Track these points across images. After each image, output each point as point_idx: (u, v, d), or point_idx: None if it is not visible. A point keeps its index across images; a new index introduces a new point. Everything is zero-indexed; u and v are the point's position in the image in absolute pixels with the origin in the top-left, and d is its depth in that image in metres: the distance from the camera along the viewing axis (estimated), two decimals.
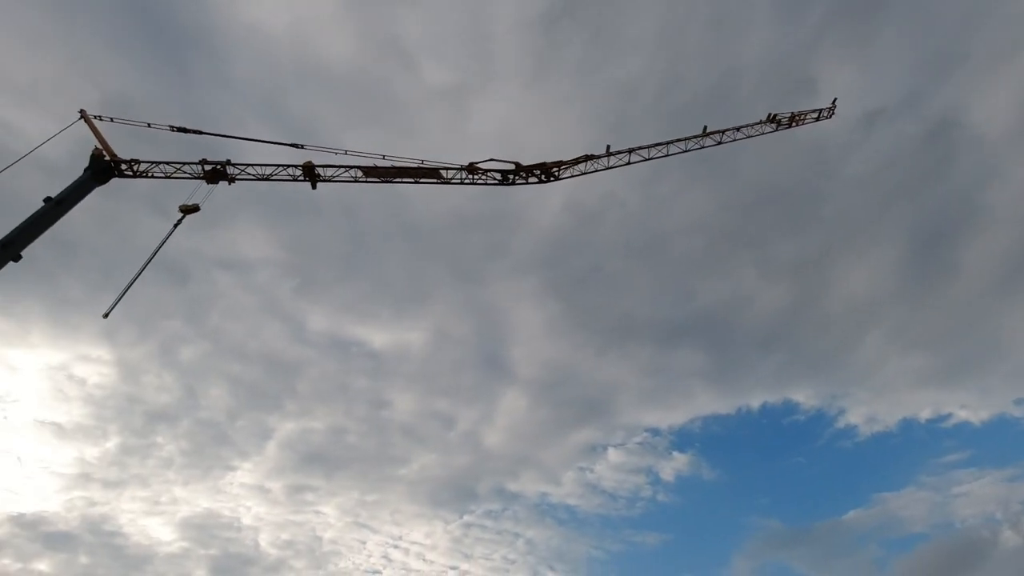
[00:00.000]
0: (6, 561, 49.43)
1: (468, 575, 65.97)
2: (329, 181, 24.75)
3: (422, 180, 24.91)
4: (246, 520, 61.55)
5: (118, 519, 56.24)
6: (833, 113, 30.70)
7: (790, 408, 74.87)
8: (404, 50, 65.11)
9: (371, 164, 24.49)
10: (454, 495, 71.30)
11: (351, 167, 24.55)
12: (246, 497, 62.26)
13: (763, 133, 28.91)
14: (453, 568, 65.87)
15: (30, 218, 20.06)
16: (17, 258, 19.39)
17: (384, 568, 64.46)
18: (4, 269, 19.07)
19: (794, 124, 29.80)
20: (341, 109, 66.91)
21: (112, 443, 57.22)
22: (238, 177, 24.60)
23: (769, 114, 28.95)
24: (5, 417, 53.27)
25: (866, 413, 71.14)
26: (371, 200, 68.19)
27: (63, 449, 55.51)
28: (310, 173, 24.46)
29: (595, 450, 74.64)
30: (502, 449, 73.91)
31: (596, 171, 25.72)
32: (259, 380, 65.96)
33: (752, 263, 74.64)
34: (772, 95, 63.37)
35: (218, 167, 24.31)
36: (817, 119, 30.42)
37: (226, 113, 59.74)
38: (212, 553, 58.61)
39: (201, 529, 59.26)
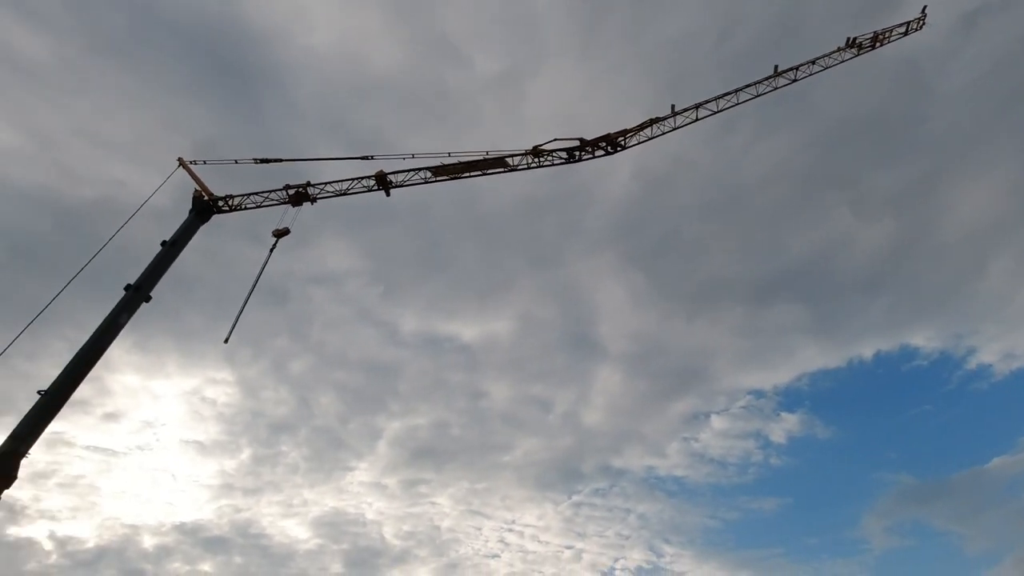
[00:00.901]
0: (176, 564, 56.02)
1: (585, 553, 66.72)
2: (401, 186, 25.60)
3: (489, 171, 25.16)
4: (369, 515, 65.66)
5: (260, 522, 61.90)
6: (924, 23, 27.59)
7: (909, 354, 68.87)
8: (452, 46, 65.74)
9: (438, 163, 25.04)
10: (560, 476, 72.07)
11: (420, 169, 25.22)
12: (366, 494, 66.37)
13: (843, 61, 26.50)
14: (569, 547, 66.81)
15: (153, 261, 22.28)
16: (148, 299, 21.63)
17: (502, 552, 66.57)
18: (139, 310, 21.42)
19: (878, 44, 27.04)
20: (401, 114, 68.76)
21: (245, 455, 63.01)
22: (319, 196, 26.04)
23: (848, 38, 26.47)
24: (158, 440, 60.18)
25: (1001, 349, 63.89)
26: (441, 199, 69.79)
27: (206, 463, 61.96)
28: (383, 181, 25.43)
29: (697, 418, 72.69)
30: (602, 427, 73.82)
31: (663, 133, 24.76)
32: (363, 385, 69.94)
33: (845, 203, 68.95)
34: (848, 16, 57.56)
35: (300, 190, 25.86)
36: (905, 33, 27.46)
37: (297, 138, 63.27)
38: (344, 548, 63.10)
39: (332, 526, 63.96)
